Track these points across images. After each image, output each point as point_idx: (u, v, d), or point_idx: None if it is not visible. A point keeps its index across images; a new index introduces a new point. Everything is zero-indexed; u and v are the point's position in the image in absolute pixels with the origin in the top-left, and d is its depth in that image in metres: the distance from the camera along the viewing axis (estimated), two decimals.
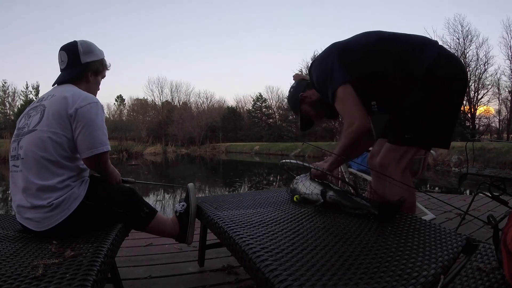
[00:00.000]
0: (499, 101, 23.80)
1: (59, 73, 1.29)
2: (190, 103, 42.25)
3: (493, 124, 24.31)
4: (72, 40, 1.28)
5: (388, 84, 1.37)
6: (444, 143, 1.37)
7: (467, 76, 1.42)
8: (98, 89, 1.37)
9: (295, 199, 1.42)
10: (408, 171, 1.40)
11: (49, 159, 1.09)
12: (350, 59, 1.39)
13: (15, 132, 1.19)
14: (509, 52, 21.78)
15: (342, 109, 1.39)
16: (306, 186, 1.37)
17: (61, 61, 1.28)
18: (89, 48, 1.28)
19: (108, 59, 1.37)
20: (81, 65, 1.26)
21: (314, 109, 1.61)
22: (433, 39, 1.43)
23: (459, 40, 22.99)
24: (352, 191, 1.31)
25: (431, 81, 1.28)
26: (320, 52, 1.53)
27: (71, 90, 1.18)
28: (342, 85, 1.35)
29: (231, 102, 56.89)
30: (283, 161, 1.62)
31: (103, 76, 1.37)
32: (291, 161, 1.57)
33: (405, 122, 1.34)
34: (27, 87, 35.70)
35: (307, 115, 1.64)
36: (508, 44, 21.81)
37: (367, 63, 1.38)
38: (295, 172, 1.65)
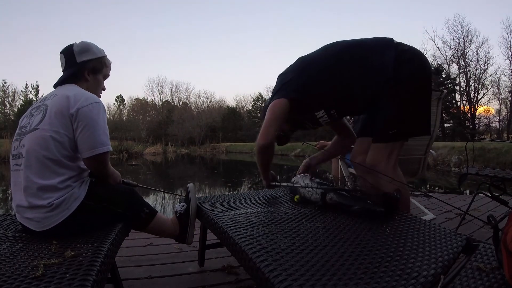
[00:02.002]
0: (499, 101, 23.86)
1: (59, 73, 1.29)
2: (190, 103, 42.32)
3: (493, 124, 24.36)
4: (71, 43, 1.29)
5: (355, 94, 1.43)
6: (424, 130, 1.43)
7: (429, 63, 1.48)
8: (103, 89, 1.36)
9: (295, 199, 1.42)
10: (398, 168, 1.46)
11: (51, 158, 1.09)
12: (309, 76, 1.46)
13: (17, 131, 1.19)
14: (509, 52, 21.85)
15: (267, 118, 1.46)
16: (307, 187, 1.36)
17: (61, 64, 1.29)
18: (85, 47, 1.28)
19: (108, 59, 1.36)
20: (77, 64, 1.26)
21: (290, 125, 1.69)
22: (387, 36, 1.44)
23: (459, 40, 23.07)
24: (349, 187, 1.32)
25: (401, 78, 1.34)
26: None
27: (73, 89, 1.18)
28: (282, 98, 1.44)
29: (231, 102, 57.07)
30: (272, 183, 1.64)
31: (105, 76, 1.35)
32: (281, 184, 1.58)
33: (386, 120, 1.40)
34: (26, 87, 35.66)
35: (283, 131, 1.69)
36: (508, 44, 21.89)
37: (325, 79, 1.44)
38: (285, 189, 1.65)
